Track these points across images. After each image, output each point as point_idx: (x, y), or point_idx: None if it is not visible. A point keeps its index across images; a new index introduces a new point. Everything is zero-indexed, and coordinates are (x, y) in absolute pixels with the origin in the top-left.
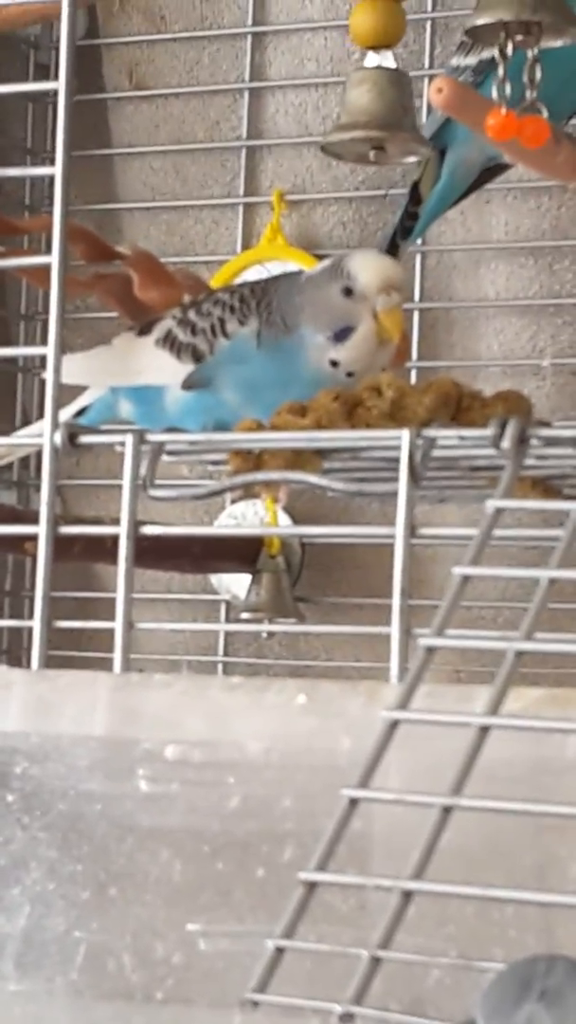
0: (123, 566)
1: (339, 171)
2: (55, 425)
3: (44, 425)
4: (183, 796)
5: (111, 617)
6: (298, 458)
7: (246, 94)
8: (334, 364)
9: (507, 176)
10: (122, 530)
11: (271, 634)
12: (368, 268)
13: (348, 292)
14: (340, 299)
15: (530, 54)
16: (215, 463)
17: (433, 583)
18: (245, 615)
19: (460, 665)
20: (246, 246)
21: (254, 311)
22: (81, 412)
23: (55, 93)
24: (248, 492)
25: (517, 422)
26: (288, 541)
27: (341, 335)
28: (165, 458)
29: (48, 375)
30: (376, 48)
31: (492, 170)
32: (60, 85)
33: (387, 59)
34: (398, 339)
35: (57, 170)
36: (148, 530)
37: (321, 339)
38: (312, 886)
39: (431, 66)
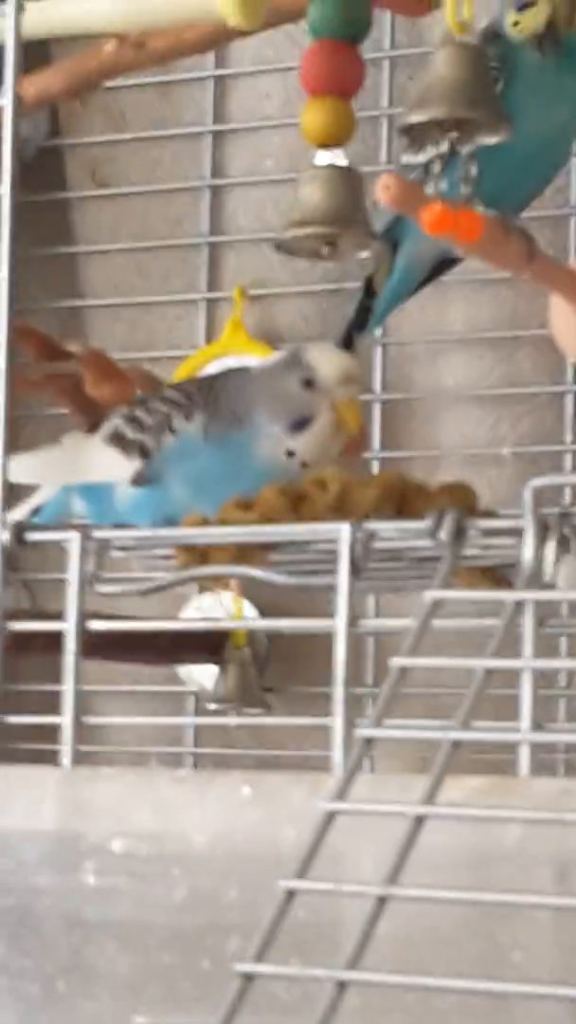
0: (69, 661)
1: (299, 265)
2: (3, 524)
3: None
4: (130, 889)
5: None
6: (244, 552)
7: (207, 191)
8: (290, 454)
9: (465, 267)
10: (68, 626)
11: (238, 725)
12: (327, 361)
13: (308, 383)
14: (298, 390)
15: (464, 151)
16: (166, 557)
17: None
18: (213, 706)
19: (427, 752)
20: (209, 340)
21: (200, 406)
22: (36, 511)
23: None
24: (202, 585)
25: (453, 514)
26: (254, 632)
27: (298, 425)
28: (116, 553)
29: None
30: (327, 146)
31: (447, 262)
32: (4, 191)
33: (338, 157)
34: (356, 430)
35: (1, 275)
36: (96, 625)
37: (277, 430)
38: (250, 977)
39: (388, 161)
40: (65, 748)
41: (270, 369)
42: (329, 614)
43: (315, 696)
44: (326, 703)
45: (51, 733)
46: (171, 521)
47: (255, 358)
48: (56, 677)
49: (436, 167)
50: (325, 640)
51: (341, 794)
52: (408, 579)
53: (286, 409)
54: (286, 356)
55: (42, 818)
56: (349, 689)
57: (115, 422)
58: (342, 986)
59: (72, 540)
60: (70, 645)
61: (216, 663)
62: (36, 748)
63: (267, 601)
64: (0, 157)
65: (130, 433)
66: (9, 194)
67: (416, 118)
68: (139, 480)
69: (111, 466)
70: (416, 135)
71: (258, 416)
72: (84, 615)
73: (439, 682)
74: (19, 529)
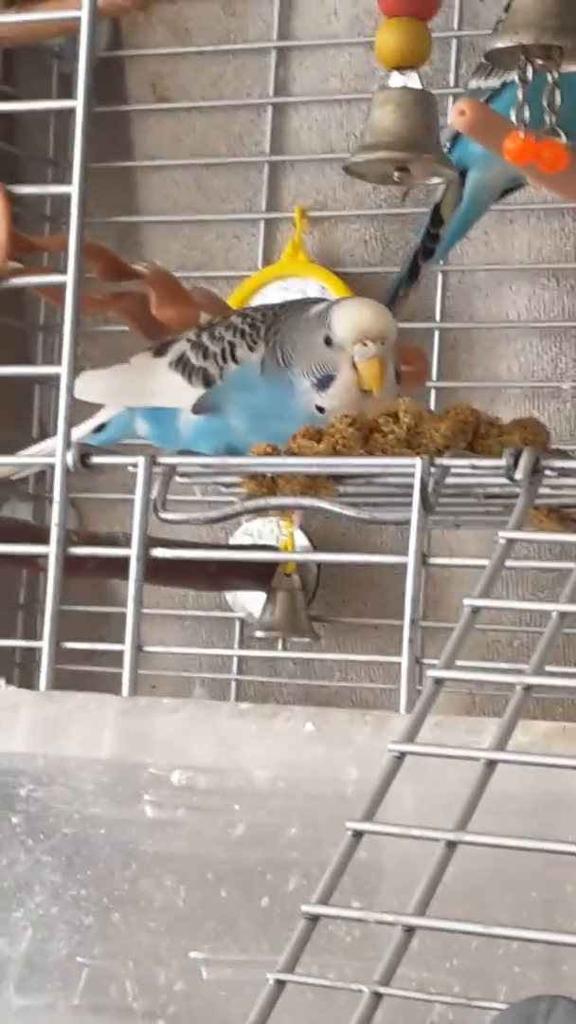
0: (132, 588)
1: (361, 188)
2: (67, 445)
3: (56, 444)
4: (188, 823)
5: (124, 632)
6: (313, 483)
7: (269, 109)
8: (320, 410)
9: (530, 197)
10: (132, 552)
11: (298, 658)
12: (346, 319)
13: (328, 341)
14: (322, 347)
15: (550, 78)
16: (228, 485)
17: (450, 604)
18: (259, 634)
19: (475, 688)
20: (267, 262)
21: (262, 337)
22: (100, 428)
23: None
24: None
25: (530, 453)
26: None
27: (324, 383)
28: (179, 480)
29: (61, 396)
30: (401, 68)
31: (511, 188)
32: (78, 105)
33: (412, 80)
34: (376, 391)
35: (74, 190)
36: (158, 553)
37: (307, 384)
38: (315, 919)
39: (456, 85)
40: (125, 677)
41: (312, 319)
42: (380, 545)
43: (363, 627)
44: (374, 633)
45: (94, 654)
46: (232, 450)
47: (314, 282)
48: (99, 597)
49: (519, 93)
50: (375, 571)
51: (411, 736)
52: (473, 515)
53: (313, 365)
54: (322, 308)
55: (101, 747)
56: (417, 627)
57: (182, 347)
58: (410, 931)
59: (139, 465)
60: (134, 572)
61: (265, 591)
62: (81, 670)
63: (318, 531)
64: (65, 66)
65: (195, 360)
66: (84, 109)
67: (502, 43)
68: (201, 408)
69: (175, 392)
70: (498, 60)
71: (295, 366)
72: (148, 540)
73: (487, 619)
74: (84, 451)
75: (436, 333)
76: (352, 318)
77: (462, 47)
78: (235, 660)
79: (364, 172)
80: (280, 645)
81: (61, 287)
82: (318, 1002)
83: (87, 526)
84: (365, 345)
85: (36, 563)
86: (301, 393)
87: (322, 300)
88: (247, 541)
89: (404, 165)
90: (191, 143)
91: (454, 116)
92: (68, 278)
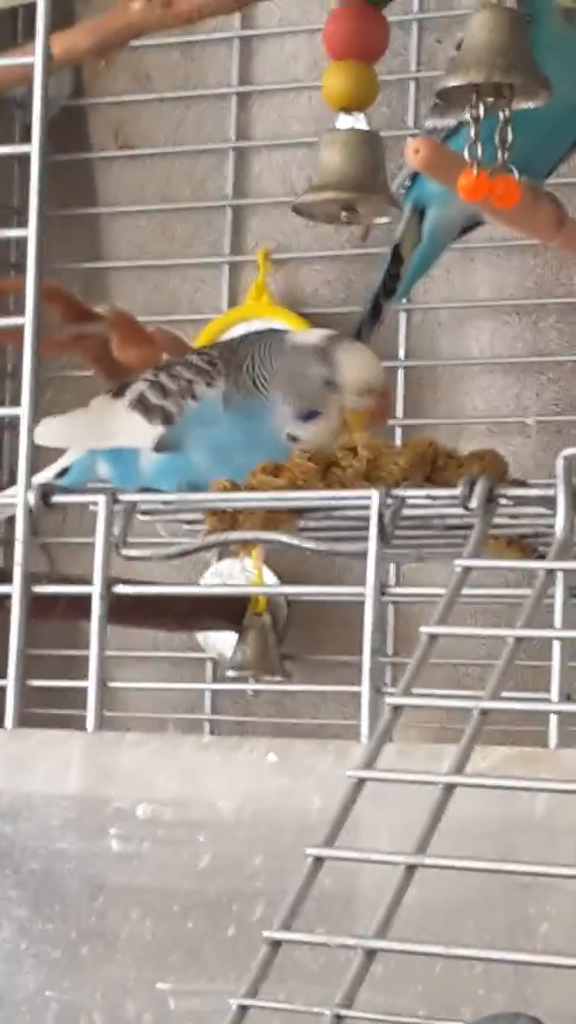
0: (95, 625)
1: (324, 230)
2: (29, 485)
3: (18, 486)
4: (154, 855)
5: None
6: (273, 517)
7: (231, 153)
8: (292, 439)
9: (491, 234)
10: (94, 589)
11: (257, 692)
12: (354, 368)
13: (327, 382)
14: (318, 384)
15: (502, 116)
16: (190, 522)
17: (419, 639)
18: (231, 673)
19: (446, 723)
20: (232, 304)
21: (222, 373)
22: (62, 473)
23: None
24: (227, 550)
25: (485, 482)
26: (274, 598)
27: (308, 416)
28: (141, 517)
29: (22, 437)
30: (348, 110)
31: (468, 226)
32: (33, 149)
33: (360, 121)
34: (357, 439)
35: (30, 233)
36: (121, 589)
37: (288, 411)
38: (277, 944)
39: (415, 125)
40: (90, 712)
41: (301, 350)
42: (349, 581)
43: (334, 664)
44: (345, 670)
45: (65, 698)
46: (194, 487)
47: (279, 323)
48: (72, 642)
49: (472, 131)
50: (344, 607)
51: (370, 762)
52: (434, 547)
53: (301, 397)
54: (320, 344)
55: (66, 782)
56: (377, 657)
57: (140, 387)
58: (371, 955)
59: (100, 503)
60: (96, 610)
61: (236, 630)
62: (53, 713)
63: (286, 567)
64: (28, 116)
65: (153, 399)
66: (39, 153)
67: (454, 81)
68: (161, 446)
69: (135, 431)
70: (450, 99)
71: (276, 391)
72: (110, 580)
73: (458, 652)
74: (46, 491)
75: (400, 371)
76: (361, 369)
77: (420, 88)
78: (207, 699)
79: (313, 212)
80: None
81: (20, 330)
82: None
83: (58, 570)
84: (364, 398)
85: (6, 606)
86: (276, 418)
87: (281, 331)
88: (217, 581)
89: (352, 205)
90: (154, 188)
91: (409, 154)
92: (27, 321)
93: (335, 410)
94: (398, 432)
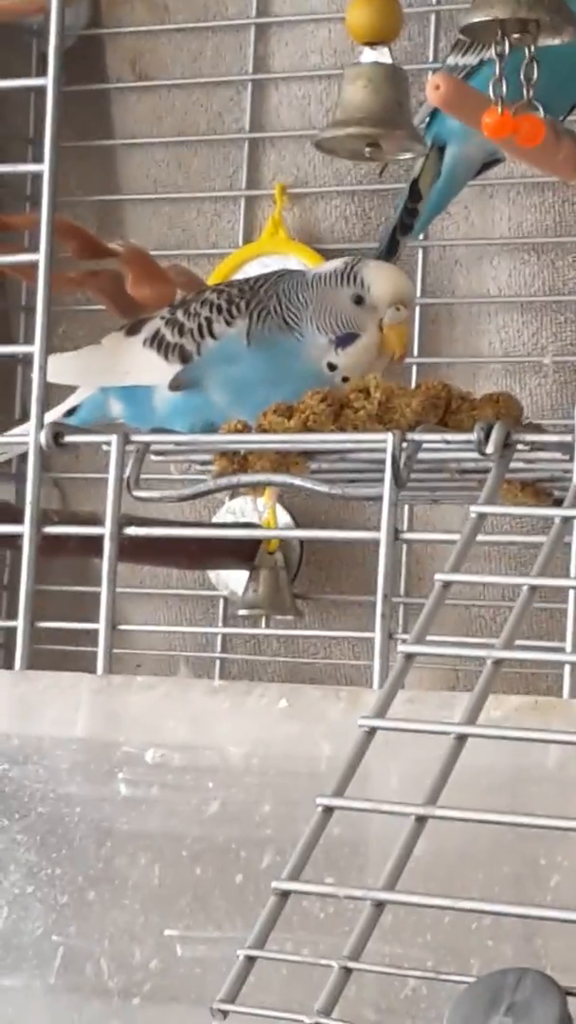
0: (106, 567)
1: (341, 165)
2: (40, 425)
3: (30, 425)
4: (163, 801)
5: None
6: (284, 459)
7: (249, 86)
8: (332, 367)
9: (510, 171)
10: (106, 531)
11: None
12: (382, 280)
13: (359, 300)
14: (349, 305)
15: (527, 52)
16: (203, 463)
17: (432, 580)
18: (242, 612)
19: (459, 665)
20: (248, 239)
21: (243, 311)
22: (72, 411)
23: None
24: (237, 491)
25: (502, 427)
26: (287, 538)
27: (344, 340)
28: (153, 458)
29: (34, 375)
30: (372, 44)
31: (490, 163)
32: (49, 83)
33: (383, 55)
34: (399, 355)
35: (45, 168)
36: (132, 530)
37: (323, 341)
38: (285, 895)
39: (435, 59)
40: (100, 656)
41: (326, 277)
42: (363, 522)
43: (346, 604)
44: (358, 610)
45: (75, 635)
46: (209, 426)
47: (295, 259)
48: (83, 576)
49: (496, 68)
50: (357, 548)
51: (382, 711)
52: (448, 490)
53: (334, 322)
54: (342, 267)
55: (75, 726)
56: (390, 602)
57: (156, 324)
58: (380, 906)
59: (112, 443)
60: (107, 550)
61: (248, 569)
62: (62, 649)
63: (299, 506)
64: (44, 45)
65: (170, 336)
66: (54, 87)
67: (478, 17)
68: (178, 384)
69: (150, 369)
70: (474, 35)
71: (307, 324)
72: (121, 520)
73: (471, 595)
74: (57, 430)
75: (417, 309)
76: (391, 281)
77: (441, 21)
78: (219, 638)
79: (335, 148)
80: (263, 623)
81: (33, 266)
82: (293, 978)
83: (70, 506)
84: (398, 309)
85: (17, 544)
86: (311, 350)
87: (298, 270)
88: (230, 519)
89: (375, 141)
90: (171, 121)
91: (429, 91)
92: (40, 257)
93: (372, 328)
94: (414, 370)
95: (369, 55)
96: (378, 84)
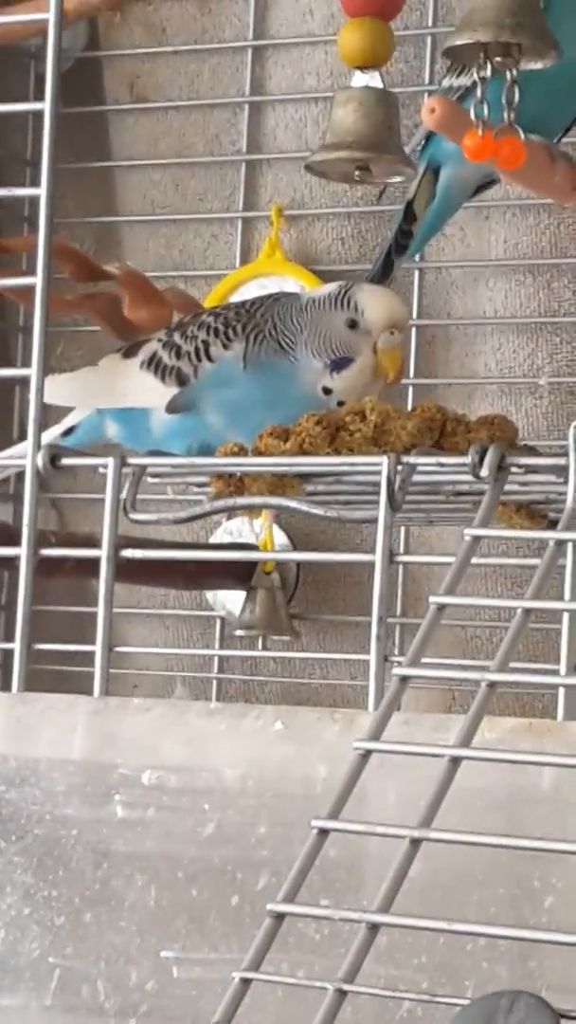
0: (103, 588)
1: (338, 186)
2: (38, 447)
3: (27, 446)
4: (159, 822)
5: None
6: (280, 482)
7: (246, 108)
8: (327, 391)
9: (506, 193)
10: (103, 554)
11: (266, 650)
12: (375, 304)
13: (352, 324)
14: (343, 329)
15: (508, 76)
16: (199, 485)
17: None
18: (239, 632)
19: (453, 686)
20: (244, 260)
21: (240, 334)
22: (69, 431)
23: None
24: (233, 513)
25: (496, 450)
26: None
27: (339, 364)
28: (150, 480)
29: (31, 397)
30: (363, 68)
31: (485, 184)
32: (46, 107)
33: (374, 79)
34: (393, 378)
35: (42, 192)
36: (129, 553)
37: (318, 365)
38: (280, 917)
39: (430, 81)
40: (97, 678)
41: (320, 301)
42: (359, 544)
43: (343, 624)
44: (354, 631)
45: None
46: (205, 448)
47: (292, 280)
48: (80, 597)
49: (478, 91)
50: (354, 569)
51: (377, 734)
52: (443, 512)
53: (329, 346)
54: (336, 291)
55: (72, 748)
56: (385, 624)
57: (153, 347)
58: (374, 928)
59: (109, 466)
60: (104, 572)
61: (245, 589)
62: (59, 670)
63: (296, 528)
64: (42, 67)
65: (167, 359)
66: (51, 111)
67: (461, 40)
68: (174, 407)
69: (147, 392)
70: (459, 58)
71: (302, 348)
72: (118, 542)
73: (466, 616)
74: (54, 453)
75: (413, 330)
76: (384, 305)
77: (436, 44)
78: (216, 659)
79: (325, 171)
80: (260, 643)
81: (30, 289)
82: (288, 1000)
83: (67, 526)
84: (392, 333)
85: (14, 566)
86: (306, 374)
87: (292, 293)
88: (227, 539)
89: (364, 164)
90: (168, 143)
91: (425, 113)
92: (37, 280)
93: (366, 352)
94: (410, 391)
95: (360, 79)
96: (368, 108)
